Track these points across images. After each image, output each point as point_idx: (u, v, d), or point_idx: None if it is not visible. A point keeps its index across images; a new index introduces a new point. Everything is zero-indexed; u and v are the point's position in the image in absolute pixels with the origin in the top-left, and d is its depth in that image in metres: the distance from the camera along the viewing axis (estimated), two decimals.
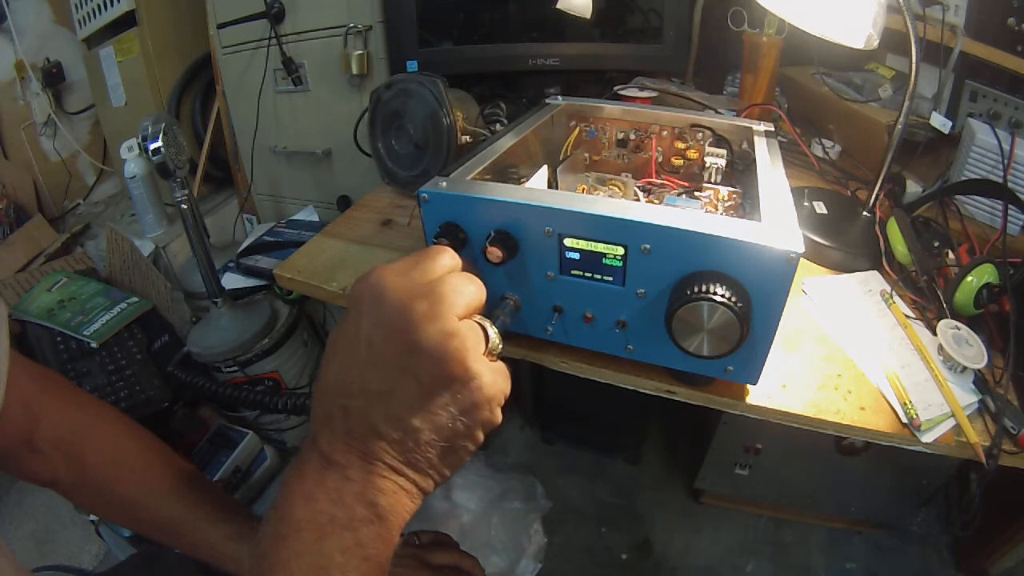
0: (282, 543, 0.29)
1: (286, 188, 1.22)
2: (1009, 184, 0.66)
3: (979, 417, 0.47)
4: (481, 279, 0.33)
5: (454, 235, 0.44)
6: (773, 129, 0.61)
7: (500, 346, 0.33)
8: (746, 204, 0.54)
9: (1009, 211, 0.65)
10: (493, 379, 0.31)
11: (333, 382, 0.31)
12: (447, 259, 0.34)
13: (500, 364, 0.33)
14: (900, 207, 0.67)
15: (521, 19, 0.98)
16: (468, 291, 0.32)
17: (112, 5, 1.23)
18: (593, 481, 1.30)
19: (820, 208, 0.70)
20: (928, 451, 0.46)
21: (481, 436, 0.32)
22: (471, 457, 0.33)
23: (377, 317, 0.30)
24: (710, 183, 0.59)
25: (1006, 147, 0.67)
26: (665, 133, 0.64)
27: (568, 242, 0.42)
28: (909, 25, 0.57)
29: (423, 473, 0.31)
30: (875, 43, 0.56)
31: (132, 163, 1.07)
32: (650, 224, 0.39)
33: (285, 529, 0.29)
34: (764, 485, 1.08)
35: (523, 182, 0.54)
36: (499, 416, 0.32)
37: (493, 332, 0.33)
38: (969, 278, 0.53)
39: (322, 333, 1.28)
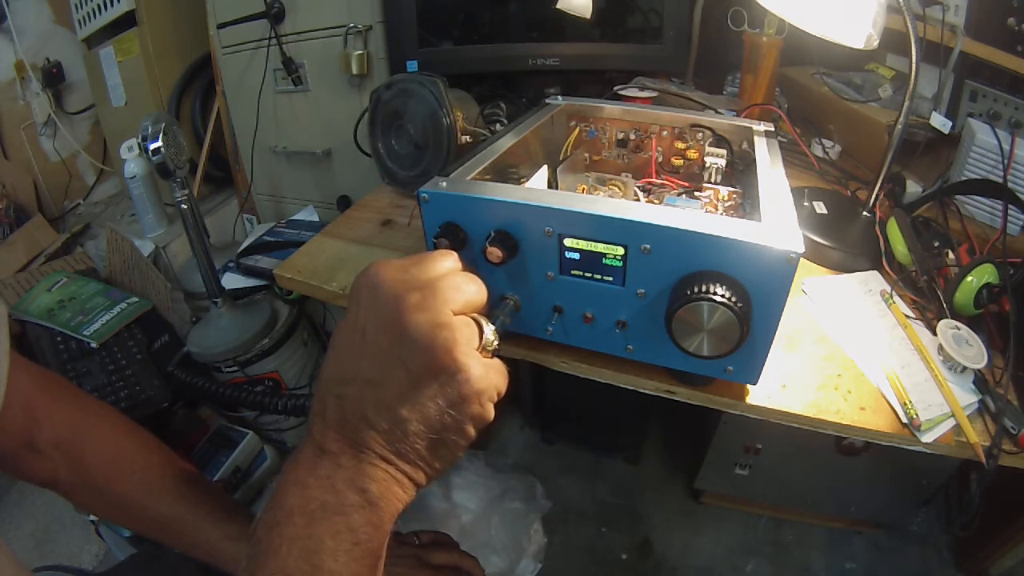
0: (275, 529, 0.29)
1: (286, 188, 1.22)
2: (1009, 184, 0.66)
3: (979, 417, 0.47)
4: (481, 279, 0.33)
5: (454, 235, 0.44)
6: (773, 129, 0.61)
7: (495, 343, 0.33)
8: (746, 204, 0.54)
9: (1009, 211, 0.65)
10: (484, 373, 0.31)
11: (330, 373, 0.32)
12: (449, 261, 0.34)
13: (496, 360, 0.33)
14: (900, 207, 0.67)
15: (521, 19, 0.97)
16: (467, 289, 0.32)
17: (112, 5, 1.23)
18: (593, 481, 1.30)
19: (820, 208, 0.70)
20: (928, 451, 0.46)
21: (471, 431, 0.32)
22: (463, 452, 0.33)
23: (372, 307, 0.31)
24: (710, 183, 0.59)
25: (1006, 147, 0.67)
26: (665, 133, 0.64)
27: (568, 242, 0.42)
28: (909, 25, 0.57)
29: (413, 464, 0.31)
30: (875, 43, 0.56)
31: (132, 163, 1.08)
32: (650, 224, 0.39)
33: (279, 516, 0.30)
34: (764, 485, 1.08)
35: (523, 182, 0.54)
36: (490, 412, 0.32)
37: (489, 330, 0.32)
38: (969, 278, 0.53)
39: (322, 333, 1.28)
